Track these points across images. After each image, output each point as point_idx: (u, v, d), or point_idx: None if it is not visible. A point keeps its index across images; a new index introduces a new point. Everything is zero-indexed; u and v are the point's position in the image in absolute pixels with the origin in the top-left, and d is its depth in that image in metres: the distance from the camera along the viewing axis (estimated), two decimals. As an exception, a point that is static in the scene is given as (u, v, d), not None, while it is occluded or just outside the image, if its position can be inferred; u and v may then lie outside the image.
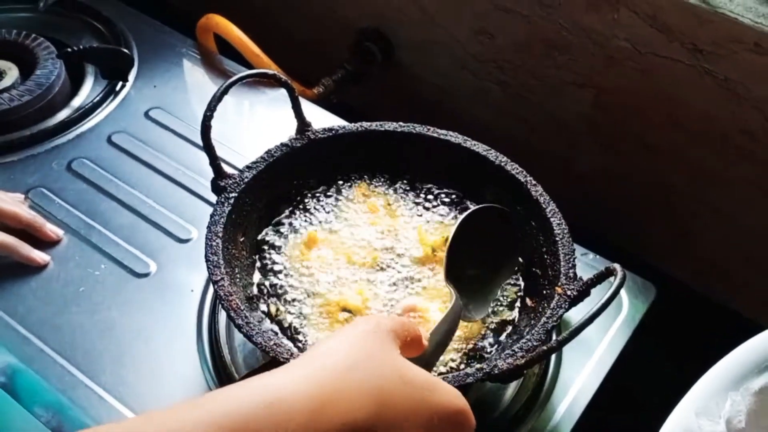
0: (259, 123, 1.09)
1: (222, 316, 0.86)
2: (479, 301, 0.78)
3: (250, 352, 0.83)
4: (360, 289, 0.79)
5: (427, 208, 0.88)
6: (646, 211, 1.08)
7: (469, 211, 0.80)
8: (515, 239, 0.82)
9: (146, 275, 0.90)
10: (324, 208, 0.87)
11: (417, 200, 0.89)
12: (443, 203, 0.88)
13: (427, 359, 0.63)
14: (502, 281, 0.81)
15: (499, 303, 0.80)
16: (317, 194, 0.88)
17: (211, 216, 0.79)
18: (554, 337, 0.78)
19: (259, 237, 0.84)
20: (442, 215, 0.87)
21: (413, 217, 0.87)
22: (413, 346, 0.61)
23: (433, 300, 0.79)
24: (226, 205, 0.80)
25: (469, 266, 0.78)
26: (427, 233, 0.85)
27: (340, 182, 0.89)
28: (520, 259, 0.83)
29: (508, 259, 0.81)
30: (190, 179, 1.00)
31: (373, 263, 0.82)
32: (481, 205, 0.81)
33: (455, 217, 0.87)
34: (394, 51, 1.19)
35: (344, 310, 0.78)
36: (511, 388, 0.82)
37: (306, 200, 0.88)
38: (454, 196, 0.89)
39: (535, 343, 0.70)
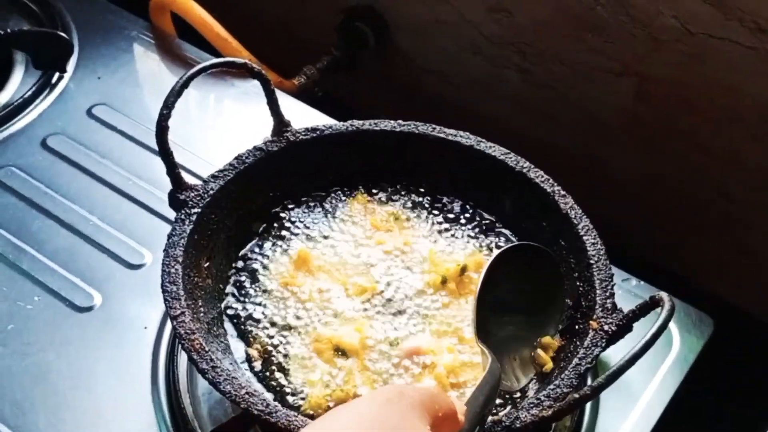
0: (228, 122, 1.10)
1: (183, 357, 0.85)
2: (519, 366, 0.77)
3: (217, 403, 0.83)
4: (358, 326, 0.79)
5: (440, 227, 0.88)
6: (698, 225, 1.08)
7: (498, 252, 0.79)
8: (559, 283, 0.81)
9: (89, 309, 0.90)
10: (309, 226, 0.87)
11: (426, 216, 0.89)
12: (458, 221, 0.88)
13: None
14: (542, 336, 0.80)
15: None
16: (300, 209, 0.88)
17: (169, 237, 0.79)
18: (589, 383, 0.78)
19: (229, 261, 0.84)
20: (457, 236, 0.87)
21: (422, 236, 0.87)
22: (447, 423, 0.58)
23: (441, 338, 0.79)
24: (187, 223, 0.80)
25: (503, 320, 0.77)
26: (440, 258, 0.85)
27: (329, 193, 0.90)
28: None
29: (553, 308, 0.80)
30: (142, 191, 1.00)
31: (372, 292, 0.82)
32: (512, 244, 0.81)
33: (475, 240, 0.87)
34: (391, 33, 1.20)
35: (337, 349, 0.78)
36: (537, 444, 0.82)
37: (286, 216, 0.88)
38: (470, 211, 0.89)
39: (564, 390, 0.70)
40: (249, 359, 0.78)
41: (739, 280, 1.08)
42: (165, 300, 0.75)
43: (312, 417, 0.72)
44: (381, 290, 0.82)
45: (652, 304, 0.72)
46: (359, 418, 0.54)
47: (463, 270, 0.82)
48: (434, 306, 0.81)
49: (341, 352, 0.78)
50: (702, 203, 1.06)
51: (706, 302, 0.93)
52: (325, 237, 0.86)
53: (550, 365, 0.76)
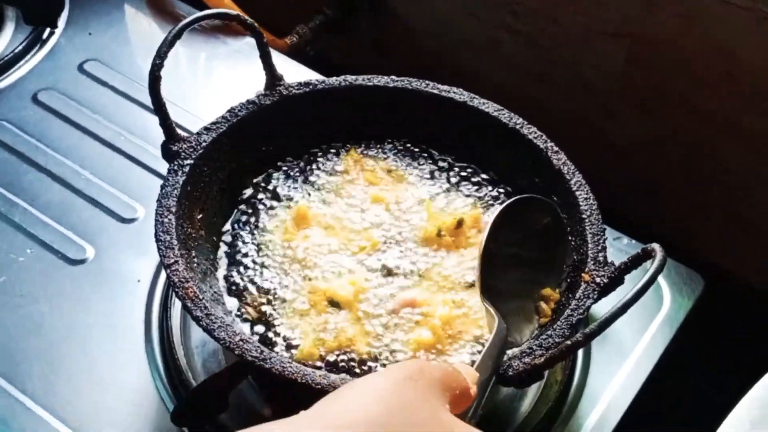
0: (219, 80, 1.10)
1: (176, 310, 0.87)
2: (522, 320, 0.77)
3: (210, 354, 0.85)
4: (352, 279, 0.80)
5: (434, 182, 0.89)
6: (693, 191, 1.09)
7: (501, 206, 0.80)
8: (562, 234, 0.81)
9: (82, 262, 0.92)
10: (303, 181, 0.88)
11: (421, 171, 0.90)
12: (452, 177, 0.89)
13: (474, 410, 0.60)
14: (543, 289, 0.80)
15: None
16: (294, 164, 0.90)
17: (162, 187, 0.80)
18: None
19: (222, 214, 0.85)
20: (451, 191, 0.88)
21: (417, 191, 0.88)
22: (462, 400, 0.57)
23: (438, 291, 0.80)
24: (179, 174, 0.81)
25: (507, 275, 0.78)
26: (436, 212, 0.86)
27: (323, 148, 0.91)
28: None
29: (555, 260, 0.81)
30: (134, 146, 1.01)
31: (368, 246, 0.83)
32: (515, 198, 0.81)
33: (469, 195, 0.88)
34: (384, -8, 1.20)
35: (331, 302, 0.79)
36: (529, 398, 0.83)
37: (279, 172, 0.89)
38: (464, 167, 0.90)
39: (556, 340, 0.71)
40: (241, 310, 0.79)
41: (731, 245, 1.08)
42: (159, 249, 0.76)
43: (304, 365, 0.73)
44: (377, 244, 0.83)
45: (644, 256, 0.72)
46: (377, 393, 0.52)
47: (460, 223, 0.83)
48: (430, 259, 0.82)
49: (335, 304, 0.79)
50: (698, 168, 1.06)
51: (699, 265, 0.93)
52: (320, 192, 0.87)
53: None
